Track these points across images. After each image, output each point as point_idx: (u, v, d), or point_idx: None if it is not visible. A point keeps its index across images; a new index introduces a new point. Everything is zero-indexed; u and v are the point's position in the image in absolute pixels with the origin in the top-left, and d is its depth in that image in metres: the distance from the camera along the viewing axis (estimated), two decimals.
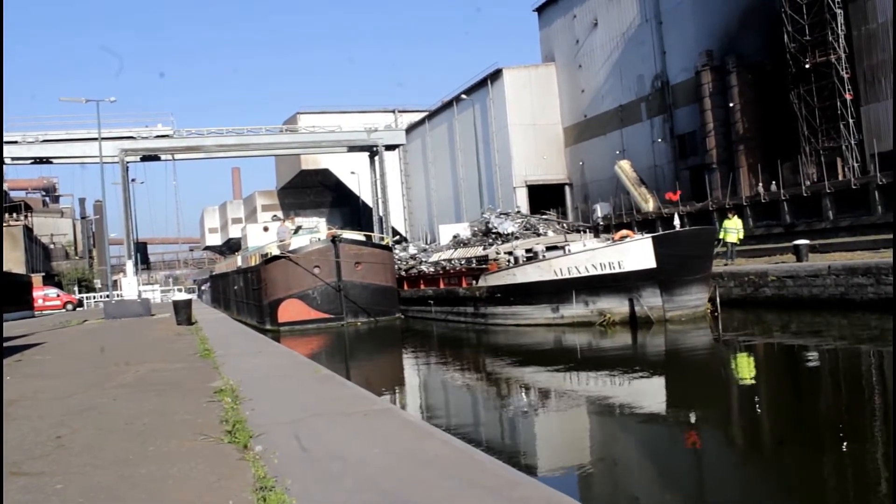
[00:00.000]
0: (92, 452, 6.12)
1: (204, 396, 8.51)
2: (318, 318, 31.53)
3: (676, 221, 26.59)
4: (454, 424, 12.03)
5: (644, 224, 40.18)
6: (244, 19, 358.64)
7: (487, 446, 9.70)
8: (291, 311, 31.72)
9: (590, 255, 22.70)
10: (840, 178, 32.16)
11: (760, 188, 35.31)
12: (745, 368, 16.11)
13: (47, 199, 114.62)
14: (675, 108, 44.61)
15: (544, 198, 53.92)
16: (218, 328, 21.72)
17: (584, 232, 31.75)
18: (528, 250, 26.36)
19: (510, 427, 12.32)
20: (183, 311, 23.37)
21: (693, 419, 11.44)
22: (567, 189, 56.64)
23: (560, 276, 23.03)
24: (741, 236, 26.97)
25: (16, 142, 49.95)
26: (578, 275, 22.64)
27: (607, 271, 22.18)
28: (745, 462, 9.19)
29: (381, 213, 55.45)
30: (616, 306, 22.37)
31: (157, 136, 52.16)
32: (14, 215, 57.50)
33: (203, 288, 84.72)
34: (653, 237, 22.46)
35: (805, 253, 23.88)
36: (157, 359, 13.34)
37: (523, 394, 14.75)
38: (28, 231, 58.08)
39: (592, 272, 22.40)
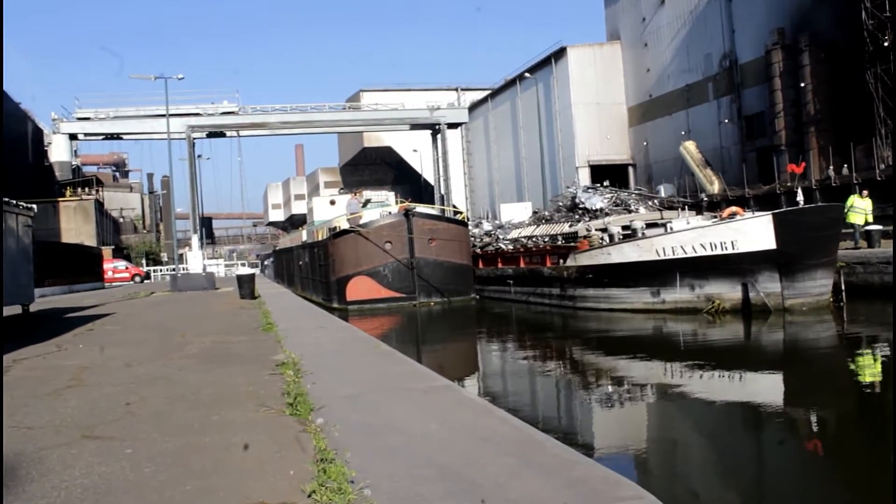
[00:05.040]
0: (159, 420, 6.30)
1: (266, 369, 8.67)
2: (389, 296, 30.19)
3: (800, 197, 23.90)
4: (517, 406, 11.98)
5: (711, 207, 39.25)
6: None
7: (549, 428, 9.67)
8: (361, 288, 30.45)
9: (698, 234, 20.71)
10: None
11: (832, 171, 34.28)
12: (867, 372, 13.89)
13: (117, 174, 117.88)
14: (743, 87, 43.49)
15: (607, 178, 53.25)
16: (280, 303, 22.05)
17: (684, 209, 29.24)
18: (624, 227, 24.33)
19: (577, 413, 12.15)
20: (246, 286, 23.78)
21: (790, 422, 10.60)
22: (630, 169, 55.84)
23: (662, 257, 21.14)
24: (869, 219, 23.79)
25: (88, 118, 51.46)
26: (684, 255, 20.66)
27: (718, 252, 20.07)
28: (826, 467, 8.74)
29: (442, 192, 55.57)
30: (727, 291, 20.44)
31: (223, 113, 53.13)
32: (86, 189, 59.18)
33: (266, 263, 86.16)
34: (774, 214, 20.18)
35: (877, 239, 23.06)
36: (221, 331, 13.63)
37: (605, 384, 13.80)
38: (99, 205, 59.75)
39: (701, 253, 20.37)
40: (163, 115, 45.13)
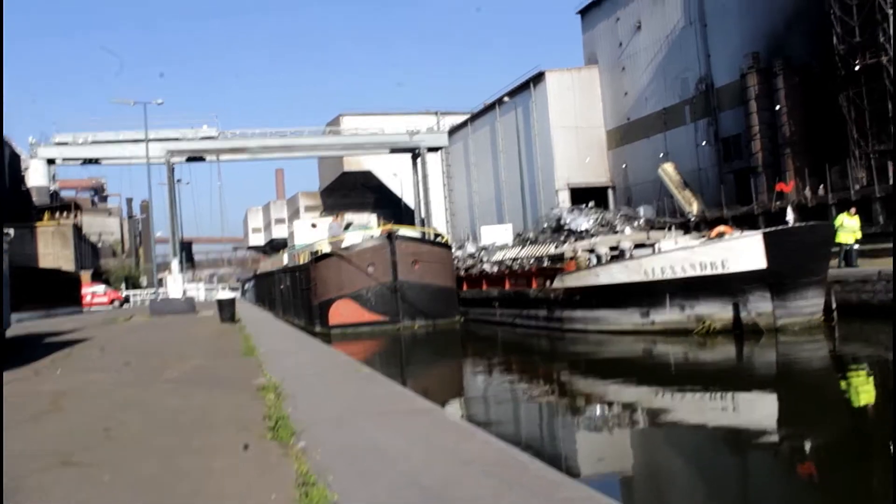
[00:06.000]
0: (139, 445, 6.24)
1: (247, 393, 8.62)
2: (373, 320, 29.65)
3: (790, 216, 23.22)
4: (501, 429, 11.89)
5: (697, 226, 39.21)
6: (287, 15, 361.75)
7: (534, 451, 9.62)
8: (344, 312, 29.90)
9: (687, 254, 20.47)
10: (891, 181, 31.44)
11: (807, 192, 34.69)
12: (864, 392, 13.59)
13: (96, 198, 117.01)
14: (719, 110, 44.00)
15: (587, 200, 53.43)
16: (261, 327, 21.94)
17: (671, 229, 28.75)
18: (612, 248, 24.08)
19: (563, 436, 12.00)
20: (227, 310, 23.62)
21: (780, 447, 10.41)
22: (610, 192, 56.19)
23: (651, 277, 20.83)
24: (858, 237, 23.60)
25: (66, 143, 51.25)
26: (673, 276, 20.34)
27: (708, 272, 19.80)
28: (820, 491, 8.58)
29: (423, 215, 55.68)
30: (717, 312, 20.13)
31: (203, 138, 53.07)
32: (64, 214, 58.75)
33: (246, 287, 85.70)
34: (764, 233, 20.01)
35: (854, 258, 23.30)
36: (201, 355, 13.53)
37: (592, 407, 13.65)
38: (77, 230, 59.30)
39: (690, 273, 20.05)
40: (142, 140, 44.97)
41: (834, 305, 20.41)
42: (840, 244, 23.28)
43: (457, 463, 5.28)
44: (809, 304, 19.74)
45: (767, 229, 21.45)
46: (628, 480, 9.30)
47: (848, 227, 23.47)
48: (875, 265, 22.41)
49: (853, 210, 24.57)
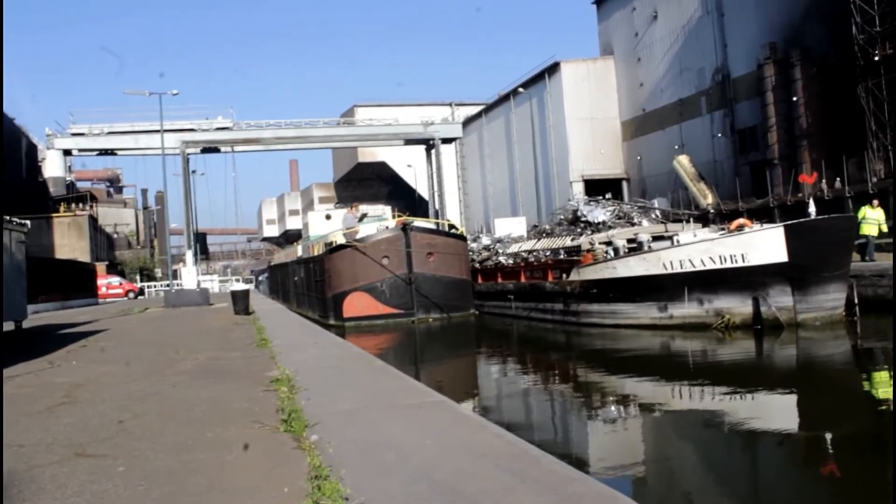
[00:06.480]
0: (152, 437, 6.26)
1: (260, 385, 8.63)
2: (387, 312, 29.53)
3: (812, 209, 23.11)
4: (514, 423, 11.85)
5: (707, 220, 38.99)
6: (307, 10, 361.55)
7: (546, 445, 9.58)
8: (358, 305, 29.82)
9: (706, 247, 20.18)
10: None
11: (824, 184, 34.40)
12: (883, 390, 13.10)
13: (111, 189, 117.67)
14: (736, 102, 43.72)
15: (601, 192, 53.21)
16: (275, 319, 21.95)
17: (689, 221, 28.71)
18: (630, 240, 23.67)
19: (576, 430, 11.93)
20: (241, 302, 23.67)
21: (799, 445, 10.24)
22: (624, 184, 55.98)
23: (670, 270, 20.62)
24: (884, 229, 23.25)
25: (82, 134, 51.41)
26: (692, 269, 20.12)
27: (728, 265, 19.56)
28: (835, 490, 8.43)
29: (437, 207, 55.63)
30: (737, 306, 19.92)
31: (218, 129, 53.10)
32: (80, 205, 59.11)
33: (260, 279, 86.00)
34: (786, 226, 19.56)
35: (871, 251, 23.07)
36: (215, 348, 13.57)
37: (607, 402, 13.46)
38: (93, 221, 59.63)
39: (709, 266, 19.85)
40: (157, 131, 45.00)
41: (856, 300, 20.05)
42: (865, 236, 22.94)
43: (469, 456, 5.26)
44: (831, 299, 19.41)
45: (789, 222, 20.86)
46: (641, 476, 9.26)
47: (871, 219, 23.10)
48: (892, 259, 22.11)
49: (876, 202, 24.13)
